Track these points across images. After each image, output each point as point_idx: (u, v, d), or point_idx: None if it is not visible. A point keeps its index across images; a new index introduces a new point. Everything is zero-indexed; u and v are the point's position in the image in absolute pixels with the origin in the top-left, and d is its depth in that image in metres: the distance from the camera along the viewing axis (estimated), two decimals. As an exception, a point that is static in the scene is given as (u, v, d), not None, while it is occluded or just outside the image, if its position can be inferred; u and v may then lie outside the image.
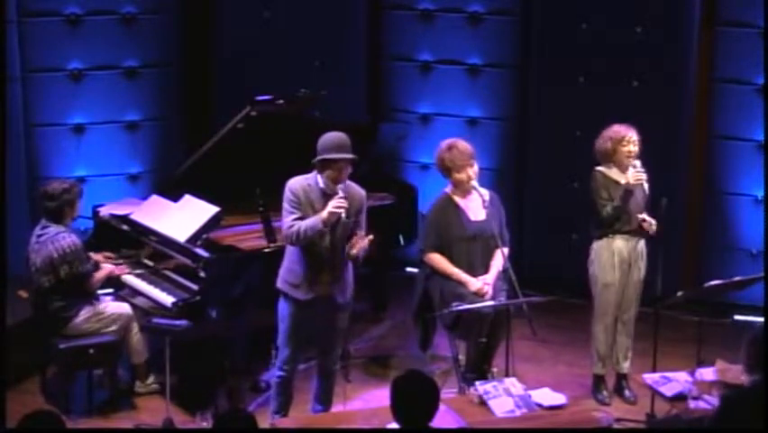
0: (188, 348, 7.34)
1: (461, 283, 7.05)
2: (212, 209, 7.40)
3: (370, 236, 6.53)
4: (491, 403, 6.17)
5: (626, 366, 7.53)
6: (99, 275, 7.38)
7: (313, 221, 6.44)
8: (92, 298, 7.36)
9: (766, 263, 8.36)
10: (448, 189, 7.21)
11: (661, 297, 7.07)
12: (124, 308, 7.42)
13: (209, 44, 9.76)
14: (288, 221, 6.51)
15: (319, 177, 6.54)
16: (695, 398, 6.18)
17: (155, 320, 7.17)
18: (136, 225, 7.69)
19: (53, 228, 7.24)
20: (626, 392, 7.54)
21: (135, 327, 7.40)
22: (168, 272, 7.41)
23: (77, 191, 7.35)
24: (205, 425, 7.04)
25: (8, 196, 8.06)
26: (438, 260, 7.13)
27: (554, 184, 9.31)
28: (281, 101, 7.58)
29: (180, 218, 7.45)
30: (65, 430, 4.84)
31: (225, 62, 9.68)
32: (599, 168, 7.39)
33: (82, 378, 7.40)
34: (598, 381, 7.56)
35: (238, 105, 7.51)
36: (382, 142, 8.63)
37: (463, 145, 7.12)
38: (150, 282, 7.41)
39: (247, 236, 7.56)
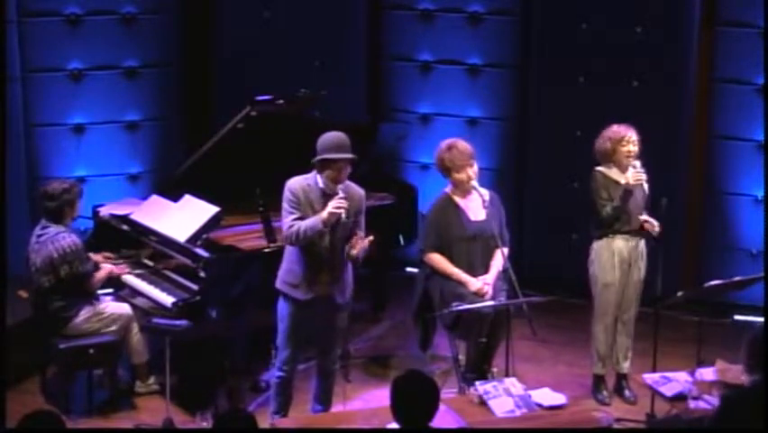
0: (188, 348, 7.34)
1: (461, 283, 7.05)
2: (212, 209, 7.40)
3: (370, 237, 6.53)
4: (491, 403, 6.17)
5: (626, 366, 7.53)
6: (100, 275, 7.38)
7: (313, 221, 6.44)
8: (92, 298, 7.36)
9: (766, 263, 8.36)
10: (448, 189, 7.21)
11: (661, 297, 7.07)
12: (124, 308, 7.42)
13: (209, 44, 9.76)
14: (288, 221, 6.51)
15: (319, 177, 6.54)
16: (695, 398, 6.18)
17: (155, 320, 7.17)
18: (136, 225, 7.69)
19: (53, 228, 7.24)
20: (626, 392, 7.54)
21: (135, 328, 7.41)
22: (168, 272, 7.41)
23: (77, 191, 7.35)
24: (205, 425, 7.04)
25: (8, 196, 8.06)
26: (438, 260, 7.13)
27: (554, 184, 9.31)
28: (281, 101, 7.58)
29: (180, 218, 7.45)
30: (65, 430, 4.84)
31: (225, 62, 9.68)
32: (599, 168, 7.39)
33: (82, 378, 7.40)
34: (598, 381, 7.56)
35: (238, 105, 7.51)
36: (382, 142, 8.63)
37: (463, 145, 7.12)
38: (151, 282, 7.41)
39: (247, 236, 7.56)
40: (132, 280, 7.50)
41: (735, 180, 8.85)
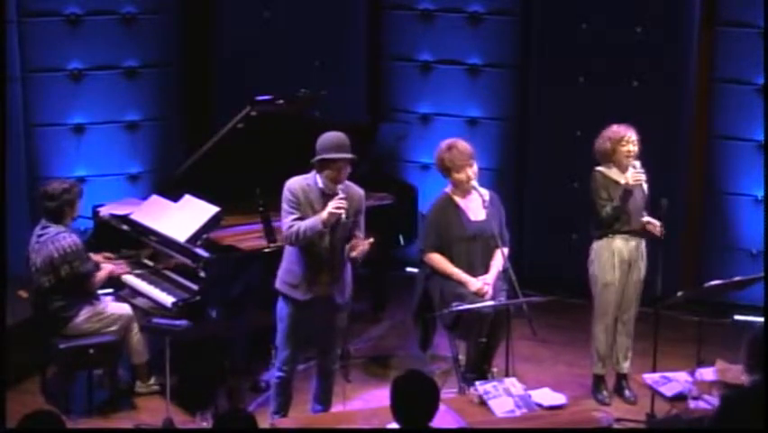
0: (188, 348, 7.34)
1: (461, 283, 7.05)
2: (212, 209, 7.40)
3: (371, 240, 6.53)
4: (491, 403, 6.17)
5: (626, 366, 7.53)
6: (101, 275, 7.37)
7: (312, 221, 6.44)
8: (92, 298, 7.36)
9: (766, 263, 8.36)
10: (448, 189, 7.21)
11: (661, 297, 7.07)
12: (124, 308, 7.42)
13: (209, 44, 9.76)
14: (288, 221, 6.51)
15: (318, 177, 6.53)
16: (695, 398, 6.18)
17: (155, 320, 7.18)
18: (136, 225, 7.69)
19: (53, 228, 7.24)
20: (626, 392, 7.54)
21: (135, 328, 7.40)
22: (168, 272, 7.41)
23: (77, 191, 7.35)
24: (205, 425, 7.04)
25: (8, 196, 8.06)
26: (438, 260, 7.14)
27: (554, 184, 9.31)
28: (281, 101, 7.58)
29: (180, 218, 7.45)
30: (65, 430, 4.84)
31: (225, 62, 9.68)
32: (599, 168, 7.39)
33: (82, 378, 7.40)
34: (598, 381, 7.56)
35: (238, 105, 7.51)
36: (382, 142, 8.62)
37: (463, 145, 7.12)
38: (151, 282, 7.41)
39: (247, 236, 7.56)
40: (132, 280, 7.50)
41: (735, 180, 8.85)
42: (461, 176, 7.08)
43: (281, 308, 6.68)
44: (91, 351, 7.23)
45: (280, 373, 6.79)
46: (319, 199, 6.51)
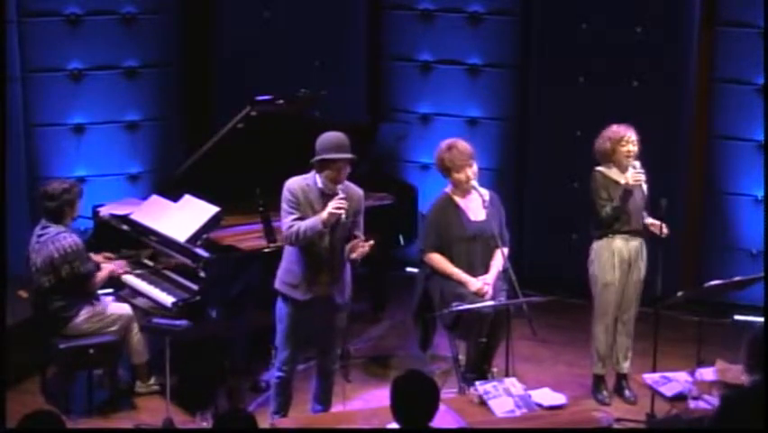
0: (188, 348, 7.34)
1: (461, 283, 7.05)
2: (212, 209, 7.40)
3: (371, 242, 6.52)
4: (491, 403, 6.17)
5: (626, 366, 7.53)
6: (101, 275, 7.37)
7: (312, 221, 6.44)
8: (92, 298, 7.36)
9: (766, 263, 8.36)
10: (448, 189, 7.21)
11: (661, 297, 7.07)
12: (125, 308, 7.42)
13: (209, 44, 9.76)
14: (288, 221, 6.51)
15: (318, 177, 6.53)
16: (695, 398, 6.18)
17: (155, 320, 7.18)
18: (136, 225, 7.69)
19: (53, 228, 7.23)
20: (626, 392, 7.54)
21: (135, 328, 7.41)
22: (168, 272, 7.41)
23: (77, 191, 7.35)
24: (205, 425, 7.04)
25: (8, 196, 8.06)
26: (438, 260, 7.14)
27: (554, 184, 9.31)
28: (281, 101, 7.58)
29: (180, 218, 7.45)
30: (65, 430, 4.84)
31: (225, 62, 9.68)
32: (599, 168, 7.39)
33: (82, 378, 7.40)
34: (598, 381, 7.56)
35: (238, 105, 7.51)
36: (382, 142, 8.62)
37: (463, 145, 7.12)
38: (151, 282, 7.41)
39: (247, 236, 7.56)
40: (132, 280, 7.50)
41: (735, 180, 8.85)
42: (460, 176, 7.08)
43: (281, 309, 6.68)
44: (91, 351, 7.23)
45: (280, 373, 6.79)
46: (319, 199, 6.51)
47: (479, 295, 6.99)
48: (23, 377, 7.66)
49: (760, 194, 8.74)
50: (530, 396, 6.25)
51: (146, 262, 7.62)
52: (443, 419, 5.53)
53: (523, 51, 9.31)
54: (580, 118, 8.94)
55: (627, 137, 7.29)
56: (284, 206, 6.54)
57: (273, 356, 6.92)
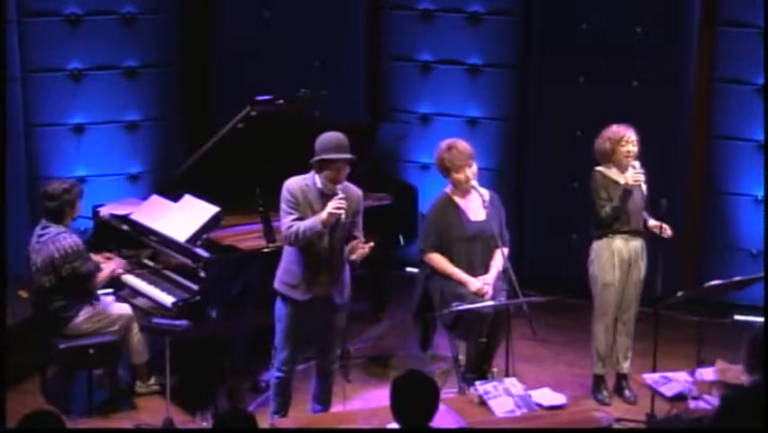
0: (188, 348, 7.34)
1: (461, 283, 7.05)
2: (212, 209, 7.40)
3: (371, 243, 6.52)
4: (491, 403, 6.17)
5: (626, 366, 7.53)
6: (102, 275, 7.37)
7: (312, 222, 6.43)
8: (92, 298, 7.36)
9: (766, 263, 8.36)
10: (448, 189, 7.21)
11: (661, 297, 7.07)
12: (125, 308, 7.42)
13: (209, 44, 9.76)
14: (287, 221, 6.51)
15: (317, 177, 6.53)
16: (695, 398, 6.18)
17: (155, 320, 7.18)
18: (136, 225, 7.69)
19: (54, 228, 7.23)
20: (626, 392, 7.54)
21: (136, 328, 7.41)
22: (168, 272, 7.41)
23: (77, 191, 7.35)
24: (205, 425, 7.04)
25: (8, 196, 8.06)
26: (438, 260, 7.14)
27: (554, 184, 9.31)
28: (281, 101, 7.58)
29: (180, 218, 7.45)
30: (65, 430, 4.84)
31: (225, 62, 9.68)
32: (599, 168, 7.39)
33: (82, 378, 7.40)
34: (598, 381, 7.56)
35: (238, 105, 7.51)
36: (382, 142, 8.62)
37: (463, 145, 7.12)
38: (151, 282, 7.42)
39: (247, 236, 7.56)
40: (132, 280, 7.50)
41: (735, 180, 8.85)
42: (460, 176, 7.08)
43: (280, 309, 6.68)
44: (91, 351, 7.23)
45: (279, 374, 6.79)
46: (318, 200, 6.51)
47: (479, 295, 6.99)
48: (23, 377, 7.66)
49: (760, 194, 8.74)
50: (530, 396, 6.25)
51: (146, 262, 7.62)
52: (443, 419, 5.54)
53: (523, 51, 9.31)
54: (580, 118, 8.94)
55: (627, 137, 7.29)
56: (283, 206, 6.54)
57: (273, 356, 6.92)
